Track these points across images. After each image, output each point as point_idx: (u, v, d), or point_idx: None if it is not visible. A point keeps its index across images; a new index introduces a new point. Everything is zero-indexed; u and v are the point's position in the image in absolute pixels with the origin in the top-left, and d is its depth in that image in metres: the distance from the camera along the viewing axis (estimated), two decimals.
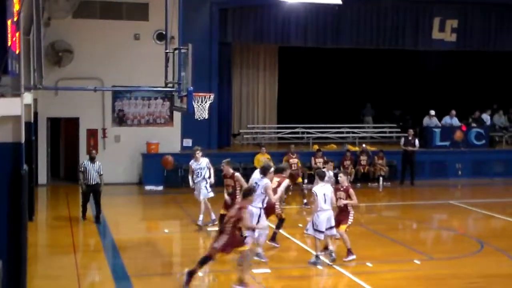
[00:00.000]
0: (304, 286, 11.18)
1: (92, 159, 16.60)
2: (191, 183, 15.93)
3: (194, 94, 12.90)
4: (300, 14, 24.26)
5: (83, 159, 17.86)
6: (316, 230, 12.50)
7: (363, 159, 22.93)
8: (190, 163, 16.16)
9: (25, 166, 10.80)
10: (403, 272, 12.49)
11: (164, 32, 16.54)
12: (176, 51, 13.29)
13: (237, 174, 14.17)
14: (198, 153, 15.86)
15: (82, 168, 16.59)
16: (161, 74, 14.08)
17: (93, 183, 16.35)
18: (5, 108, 8.95)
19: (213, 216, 15.62)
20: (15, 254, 10.27)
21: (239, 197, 13.08)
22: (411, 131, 23.54)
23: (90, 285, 11.47)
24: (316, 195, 12.54)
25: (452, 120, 25.74)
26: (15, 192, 10.31)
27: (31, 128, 16.79)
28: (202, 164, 15.87)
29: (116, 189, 21.11)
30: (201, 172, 15.81)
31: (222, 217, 13.17)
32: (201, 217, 15.60)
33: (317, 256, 12.52)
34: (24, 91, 11.35)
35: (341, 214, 12.94)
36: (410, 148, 22.70)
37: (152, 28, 22.54)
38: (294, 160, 19.93)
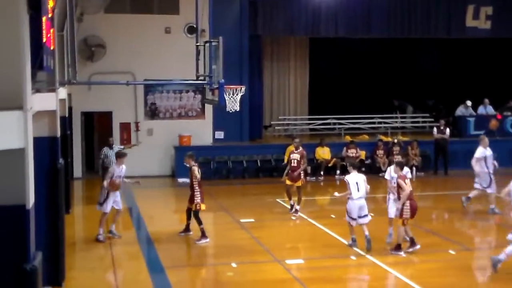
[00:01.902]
0: (337, 276, 11.18)
1: (110, 146, 17.64)
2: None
3: (225, 86, 12.96)
4: (330, 5, 24.17)
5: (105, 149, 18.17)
6: (349, 216, 12.84)
7: (396, 149, 22.78)
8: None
9: (61, 160, 11.02)
10: (438, 263, 12.41)
11: (194, 25, 16.59)
12: (207, 44, 13.35)
13: (193, 167, 13.85)
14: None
15: (102, 156, 17.68)
16: (192, 67, 14.16)
17: None
18: (41, 103, 9.11)
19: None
20: (53, 245, 10.51)
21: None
22: (442, 121, 23.41)
23: (126, 276, 11.64)
24: (349, 183, 12.75)
25: (486, 108, 25.43)
26: (52, 185, 10.53)
27: (66, 122, 17.05)
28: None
29: (149, 181, 21.30)
30: None
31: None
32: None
33: (353, 239, 12.95)
34: (58, 86, 11.57)
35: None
36: (440, 136, 22.58)
37: (183, 22, 22.68)
38: (295, 156, 16.59)
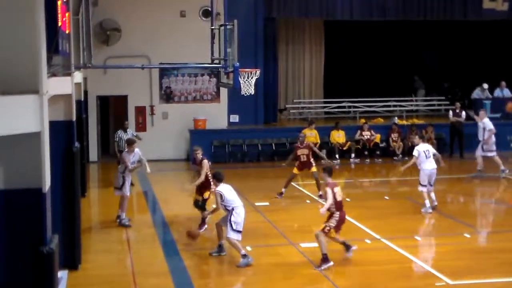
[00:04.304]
0: (352, 260, 11.20)
1: (125, 130, 18.15)
2: None
3: (240, 70, 12.97)
4: None
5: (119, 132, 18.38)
6: (421, 184, 14.65)
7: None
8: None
9: (76, 144, 11.09)
10: (452, 246, 12.40)
11: (209, 9, 16.59)
12: (222, 28, 13.34)
13: (204, 161, 13.47)
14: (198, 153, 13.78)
15: (117, 138, 18.03)
16: (207, 51, 14.16)
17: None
18: (57, 87, 9.17)
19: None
20: (70, 228, 10.63)
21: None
22: (458, 104, 23.30)
23: (141, 259, 11.72)
24: (419, 153, 14.53)
25: (503, 91, 25.22)
26: (68, 169, 10.62)
27: (82, 106, 17.15)
28: None
29: (164, 165, 21.45)
30: None
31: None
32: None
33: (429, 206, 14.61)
34: (74, 70, 11.63)
35: None
36: (455, 119, 22.49)
37: (198, 5, 22.62)
38: (304, 151, 16.37)
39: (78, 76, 14.48)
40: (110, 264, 11.49)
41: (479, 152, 19.17)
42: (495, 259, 11.50)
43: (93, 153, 22.33)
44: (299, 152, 16.29)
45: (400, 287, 10.13)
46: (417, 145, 15.12)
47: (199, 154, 13.48)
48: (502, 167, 18.90)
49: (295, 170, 16.36)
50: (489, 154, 19.09)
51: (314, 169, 16.25)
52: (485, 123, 19.25)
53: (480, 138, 19.22)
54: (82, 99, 17.85)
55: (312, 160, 16.33)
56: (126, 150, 14.45)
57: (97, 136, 22.93)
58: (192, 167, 15.25)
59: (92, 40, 13.78)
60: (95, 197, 17.70)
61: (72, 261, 10.67)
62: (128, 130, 18.42)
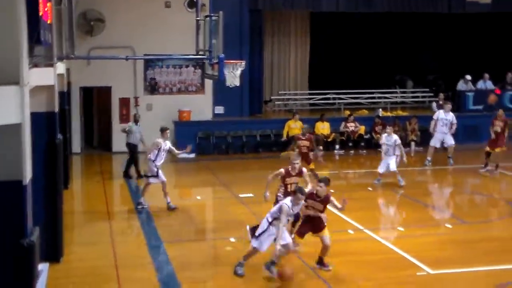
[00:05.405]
0: (335, 250, 11.23)
1: (136, 122, 18.28)
2: None
3: (225, 61, 12.96)
4: None
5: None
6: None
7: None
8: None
9: (59, 135, 11.02)
10: (435, 236, 12.52)
11: (195, 0, 16.51)
12: (207, 19, 13.30)
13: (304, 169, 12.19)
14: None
15: (127, 130, 18.16)
16: (192, 42, 14.11)
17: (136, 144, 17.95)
18: (39, 78, 9.10)
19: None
20: (52, 221, 10.57)
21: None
22: (441, 95, 23.43)
23: (125, 251, 11.69)
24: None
25: (486, 83, 25.38)
26: (50, 160, 10.55)
27: (65, 97, 17.02)
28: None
29: None
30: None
31: None
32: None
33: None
34: (56, 61, 11.53)
35: None
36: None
37: None
38: (304, 143, 16.32)
39: (61, 67, 14.36)
40: (92, 256, 11.44)
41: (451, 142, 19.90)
42: (476, 249, 11.62)
43: (76, 144, 22.19)
44: (301, 143, 16.18)
45: (382, 278, 10.19)
46: (389, 135, 16.38)
47: (298, 164, 11.82)
48: (429, 158, 19.77)
49: None
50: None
51: (312, 166, 16.01)
52: (451, 116, 19.89)
53: (446, 130, 19.72)
54: (65, 90, 17.71)
55: (311, 155, 16.21)
56: (162, 136, 14.58)
57: (81, 128, 22.80)
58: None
59: (75, 30, 13.64)
60: (78, 189, 17.61)
61: (54, 254, 10.62)
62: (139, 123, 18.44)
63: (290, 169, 11.57)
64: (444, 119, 19.75)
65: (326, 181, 10.56)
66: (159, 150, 14.36)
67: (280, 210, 9.99)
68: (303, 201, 10.21)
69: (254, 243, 10.24)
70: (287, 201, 10.03)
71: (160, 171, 14.48)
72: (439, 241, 12.21)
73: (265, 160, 20.92)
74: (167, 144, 14.64)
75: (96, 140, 24.13)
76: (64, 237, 11.22)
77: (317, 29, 27.40)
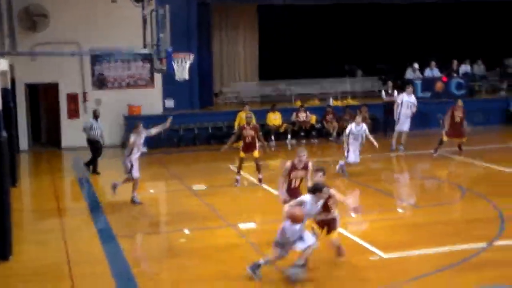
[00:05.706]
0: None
1: (96, 118, 18.00)
2: None
3: (173, 55, 12.91)
4: None
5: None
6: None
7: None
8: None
9: (4, 133, 10.77)
10: (388, 221, 12.68)
11: None
12: (154, 13, 13.19)
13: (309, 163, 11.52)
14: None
15: (88, 126, 17.88)
16: (140, 36, 13.95)
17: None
18: None
19: None
20: None
21: None
22: (390, 83, 23.78)
23: (77, 247, 11.48)
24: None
25: (432, 71, 25.85)
26: None
27: (9, 94, 16.64)
28: None
29: None
30: None
31: None
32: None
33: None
34: None
35: None
36: (389, 98, 22.91)
37: None
38: (249, 132, 15.94)
39: (3, 64, 14.03)
40: (44, 254, 11.18)
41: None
42: (427, 232, 11.81)
43: (23, 142, 21.76)
44: (246, 133, 15.83)
45: (334, 263, 10.25)
46: (358, 125, 16.51)
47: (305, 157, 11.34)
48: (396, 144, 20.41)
49: (242, 154, 15.87)
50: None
51: (256, 153, 15.84)
52: (414, 98, 20.71)
53: (410, 113, 20.44)
54: (9, 87, 17.31)
55: (257, 143, 15.94)
56: (134, 132, 14.44)
57: (27, 125, 22.35)
58: None
59: (17, 26, 13.34)
60: (26, 186, 17.25)
61: (1, 252, 10.38)
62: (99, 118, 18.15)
63: (296, 162, 11.15)
64: (408, 101, 20.39)
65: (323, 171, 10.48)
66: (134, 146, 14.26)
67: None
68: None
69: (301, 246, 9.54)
70: (307, 197, 9.44)
71: (134, 166, 14.24)
72: (391, 225, 12.37)
73: (217, 152, 20.84)
74: (143, 138, 14.54)
75: (44, 137, 23.70)
76: (13, 235, 10.97)
77: (265, 21, 27.47)
